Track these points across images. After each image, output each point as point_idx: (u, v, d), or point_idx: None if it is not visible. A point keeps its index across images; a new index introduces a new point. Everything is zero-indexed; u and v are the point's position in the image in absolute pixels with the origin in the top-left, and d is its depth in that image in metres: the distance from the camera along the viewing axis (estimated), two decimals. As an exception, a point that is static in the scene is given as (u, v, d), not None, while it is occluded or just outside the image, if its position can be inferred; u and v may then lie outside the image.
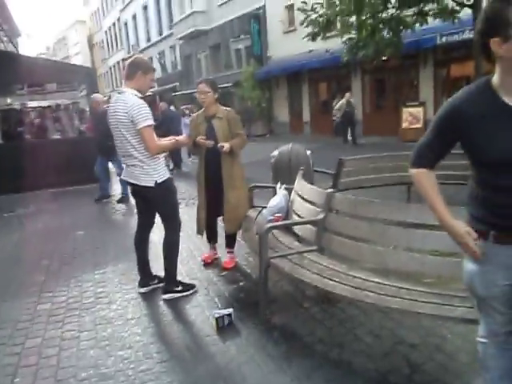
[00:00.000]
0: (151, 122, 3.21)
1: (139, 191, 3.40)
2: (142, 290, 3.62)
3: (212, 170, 3.83)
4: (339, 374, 2.42)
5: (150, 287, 3.61)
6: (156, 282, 3.63)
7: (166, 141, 3.40)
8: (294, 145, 4.84)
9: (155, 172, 3.29)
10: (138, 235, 3.65)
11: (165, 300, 3.42)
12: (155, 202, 3.39)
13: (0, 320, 3.27)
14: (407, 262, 2.57)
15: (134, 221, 5.98)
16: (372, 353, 2.60)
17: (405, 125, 13.53)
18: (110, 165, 7.62)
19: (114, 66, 43.93)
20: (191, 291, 3.52)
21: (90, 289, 3.78)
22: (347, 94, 14.10)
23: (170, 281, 3.50)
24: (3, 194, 8.16)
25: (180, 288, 3.49)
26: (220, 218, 4.08)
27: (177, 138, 3.54)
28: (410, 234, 2.56)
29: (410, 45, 12.16)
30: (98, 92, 9.53)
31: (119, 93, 3.33)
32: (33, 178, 8.40)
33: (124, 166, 3.47)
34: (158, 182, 3.28)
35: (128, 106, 3.14)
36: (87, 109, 10.99)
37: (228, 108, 4.01)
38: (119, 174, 7.03)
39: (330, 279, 2.69)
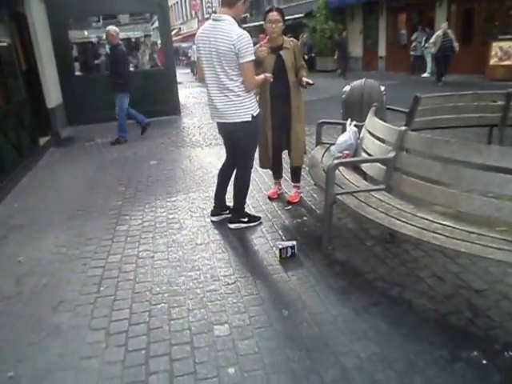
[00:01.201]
0: (254, 57, 3.15)
1: (232, 129, 3.32)
2: (214, 218, 3.78)
3: (279, 104, 3.75)
4: (398, 311, 2.45)
5: (222, 217, 3.76)
6: (227, 212, 3.76)
7: (259, 77, 3.33)
8: (367, 80, 4.59)
9: (251, 105, 3.27)
10: (225, 167, 3.71)
11: (231, 229, 3.58)
12: (243, 136, 3.33)
13: (86, 237, 3.63)
14: (481, 207, 2.44)
15: (203, 154, 6.20)
16: (434, 294, 2.59)
17: (493, 61, 12.24)
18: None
19: (184, -3, 43.20)
20: (257, 222, 3.65)
21: (162, 214, 4.05)
22: (444, 25, 12.40)
23: (238, 211, 3.62)
24: (83, 124, 8.71)
25: (246, 219, 3.62)
26: (284, 153, 4.09)
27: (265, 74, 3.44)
28: (489, 178, 2.41)
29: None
30: (169, 24, 9.56)
31: (216, 20, 3.13)
32: (109, 110, 8.84)
33: (209, 104, 3.39)
34: (254, 115, 3.28)
35: (234, 37, 3.02)
36: (159, 41, 11.08)
37: (292, 38, 3.87)
38: (117, 115, 7.15)
39: (397, 219, 2.65)
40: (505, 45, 12.06)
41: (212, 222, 3.77)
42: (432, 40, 12.58)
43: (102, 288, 2.85)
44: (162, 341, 2.31)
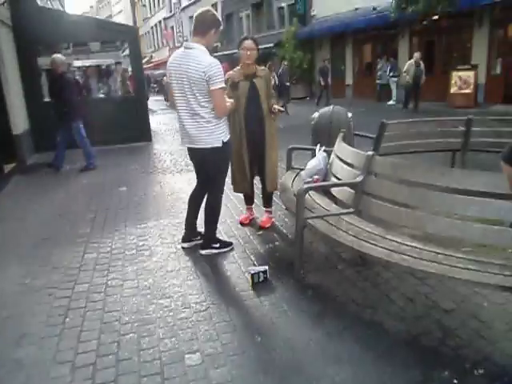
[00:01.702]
0: (224, 84, 3.20)
1: (203, 154, 3.32)
2: (185, 244, 3.73)
3: (253, 129, 3.80)
4: (370, 334, 2.46)
5: (193, 243, 3.71)
6: (198, 238, 3.73)
7: (228, 103, 3.36)
8: (335, 107, 4.74)
9: (222, 131, 3.29)
10: (195, 192, 3.69)
11: (202, 255, 3.54)
12: (214, 161, 3.34)
13: (52, 266, 3.51)
14: (447, 228, 2.52)
15: (174, 180, 6.17)
16: (405, 316, 2.62)
17: (453, 89, 12.87)
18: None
19: (156, 26, 43.78)
20: (228, 248, 3.62)
21: (132, 241, 3.97)
22: (416, 54, 12.87)
23: (209, 237, 3.60)
24: (51, 151, 8.51)
25: (218, 245, 3.59)
26: (256, 179, 4.13)
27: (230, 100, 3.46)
28: (453, 200, 2.50)
29: (465, 1, 11.36)
30: (139, 52, 9.64)
31: (188, 48, 3.18)
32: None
33: (179, 130, 3.40)
34: (225, 141, 3.30)
35: (205, 64, 3.06)
36: (130, 69, 11.12)
37: (263, 67, 3.98)
38: (82, 143, 7.04)
39: (367, 241, 2.69)
40: (463, 74, 12.73)
41: (183, 248, 3.72)
42: (405, 68, 13.04)
43: (67, 319, 2.74)
44: (132, 372, 2.22)
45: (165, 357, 2.33)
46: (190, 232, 3.75)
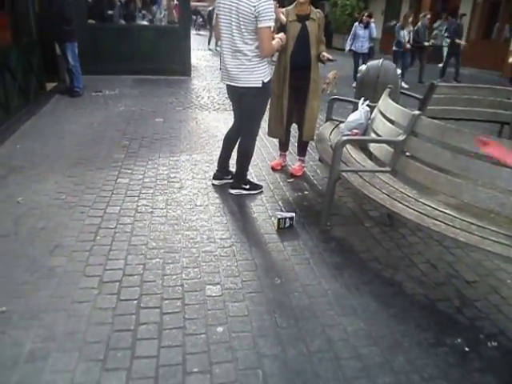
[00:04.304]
0: (273, 23, 3.07)
1: (241, 93, 3.26)
2: (216, 182, 3.76)
3: (298, 75, 3.67)
4: (388, 292, 2.48)
5: (223, 181, 3.74)
6: (229, 177, 3.75)
7: (275, 42, 3.24)
8: (384, 61, 4.51)
9: (263, 71, 3.21)
10: (231, 132, 3.67)
11: (231, 194, 3.58)
12: (252, 102, 3.27)
13: (86, 186, 3.62)
14: (486, 199, 2.44)
15: (210, 117, 6.14)
16: (425, 280, 2.62)
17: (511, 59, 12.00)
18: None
19: (206, -45, 41.75)
20: (258, 191, 3.64)
21: (164, 172, 4.03)
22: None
23: (240, 178, 3.61)
24: (91, 75, 8.55)
25: (248, 186, 3.61)
26: (293, 127, 4.05)
27: (278, 36, 3.34)
28: (496, 172, 2.40)
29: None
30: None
31: None
32: (120, 62, 8.69)
33: (221, 66, 3.32)
34: (265, 81, 3.22)
35: None
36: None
37: (318, 9, 3.77)
38: (72, 66, 6.90)
39: (399, 201, 2.65)
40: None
41: (213, 185, 3.76)
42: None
43: (98, 237, 2.87)
44: (154, 294, 2.33)
45: (187, 284, 2.42)
46: (222, 171, 3.77)
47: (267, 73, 3.26)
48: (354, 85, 8.56)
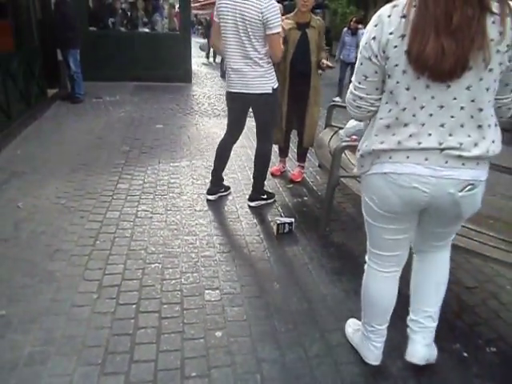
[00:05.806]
0: (281, 28, 3.05)
1: (253, 100, 3.19)
2: (211, 197, 3.61)
3: (298, 82, 3.70)
4: (387, 297, 2.48)
5: (217, 195, 3.64)
6: (223, 190, 3.69)
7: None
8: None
9: (272, 77, 3.18)
10: (224, 143, 3.56)
11: (250, 207, 3.51)
12: (263, 109, 3.23)
13: (86, 191, 3.64)
14: (485, 205, 2.44)
15: (211, 123, 6.17)
16: (424, 285, 2.62)
17: None
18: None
19: (207, -37, 42.11)
20: (272, 199, 3.62)
21: (164, 178, 4.05)
22: None
23: (260, 188, 3.53)
24: (92, 81, 8.59)
25: (265, 196, 3.57)
26: (293, 133, 4.07)
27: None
28: (495, 178, 2.41)
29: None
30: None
31: None
32: (121, 68, 8.74)
33: (229, 74, 3.20)
34: (274, 87, 3.19)
35: (263, 4, 2.87)
36: (177, 6, 10.86)
37: (318, 17, 3.80)
38: (74, 73, 6.94)
39: (398, 207, 2.65)
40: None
41: (208, 200, 3.60)
42: None
43: (98, 242, 2.87)
44: (153, 298, 2.34)
45: (186, 289, 2.43)
46: (216, 184, 3.65)
47: (275, 79, 3.23)
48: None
